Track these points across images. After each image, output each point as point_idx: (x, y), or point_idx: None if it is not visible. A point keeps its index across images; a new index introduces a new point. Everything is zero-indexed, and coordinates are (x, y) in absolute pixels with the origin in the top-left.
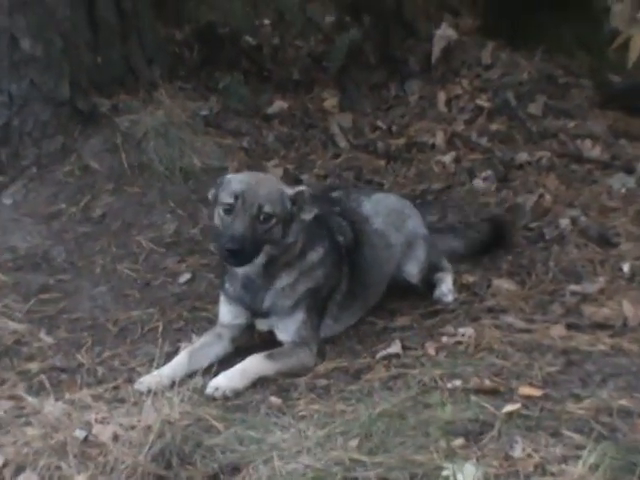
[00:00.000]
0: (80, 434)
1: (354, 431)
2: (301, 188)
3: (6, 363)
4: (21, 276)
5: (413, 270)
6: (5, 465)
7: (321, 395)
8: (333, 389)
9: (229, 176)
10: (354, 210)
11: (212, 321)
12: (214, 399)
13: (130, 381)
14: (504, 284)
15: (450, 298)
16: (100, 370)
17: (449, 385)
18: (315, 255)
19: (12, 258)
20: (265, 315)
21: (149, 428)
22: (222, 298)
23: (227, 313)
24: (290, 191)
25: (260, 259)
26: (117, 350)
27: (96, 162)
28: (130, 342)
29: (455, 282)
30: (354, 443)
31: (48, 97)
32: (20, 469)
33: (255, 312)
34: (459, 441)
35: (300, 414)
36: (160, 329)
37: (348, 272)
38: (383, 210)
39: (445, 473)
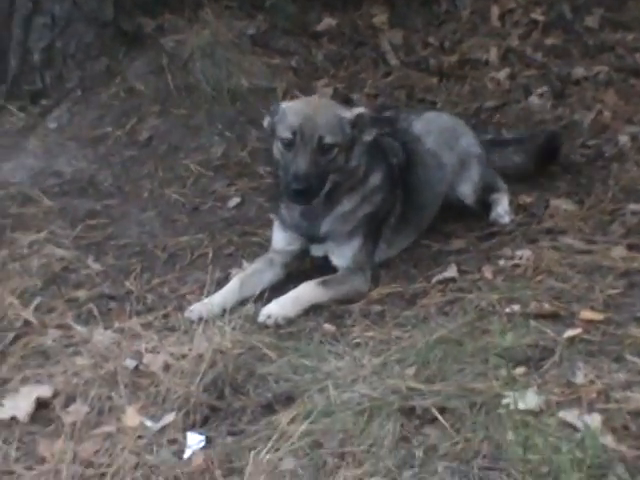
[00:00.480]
0: (130, 364)
1: (411, 358)
2: (360, 110)
3: (54, 291)
4: (67, 201)
5: (467, 190)
6: (55, 396)
7: (376, 321)
8: (388, 315)
9: (284, 105)
10: (405, 130)
11: (263, 246)
12: (266, 327)
13: (180, 309)
14: (562, 204)
15: (507, 219)
16: (149, 297)
17: (507, 310)
18: (376, 178)
19: (58, 183)
20: (321, 241)
21: (201, 357)
22: (276, 224)
23: (281, 239)
24: (349, 114)
25: (325, 188)
26: (166, 277)
27: (141, 84)
28: (179, 268)
29: (511, 203)
30: (411, 371)
31: (91, 18)
32: (70, 400)
33: (311, 238)
34: (519, 368)
35: (355, 341)
36: (210, 255)
37: (401, 195)
38: (435, 129)
39: (505, 401)
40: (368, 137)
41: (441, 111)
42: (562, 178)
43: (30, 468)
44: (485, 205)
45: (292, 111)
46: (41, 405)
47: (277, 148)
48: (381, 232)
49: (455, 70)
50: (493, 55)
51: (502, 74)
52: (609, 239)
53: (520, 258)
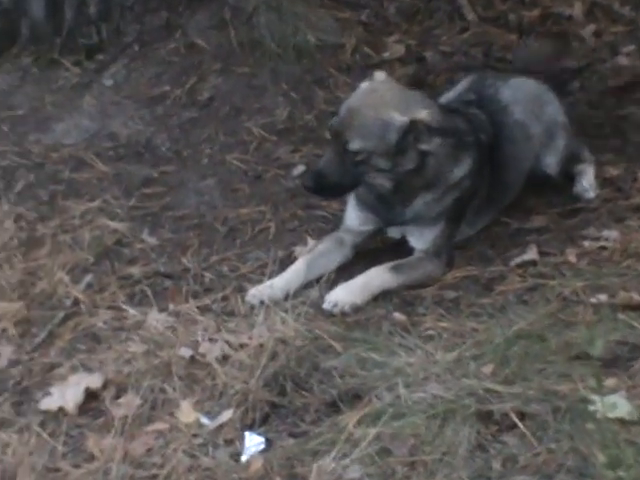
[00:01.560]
0: (186, 353)
1: (487, 355)
2: (415, 116)
3: (106, 266)
4: (122, 167)
5: (552, 162)
6: (105, 386)
7: (449, 310)
8: (462, 302)
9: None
10: (491, 98)
11: (329, 221)
12: (332, 315)
13: (240, 290)
14: None
15: (592, 194)
16: (207, 276)
17: (593, 299)
18: (463, 168)
19: (113, 146)
20: (401, 223)
21: (261, 348)
22: (351, 201)
23: (355, 218)
24: (399, 120)
25: (384, 185)
26: (226, 254)
27: (202, 39)
28: (240, 244)
29: (597, 175)
30: (488, 369)
31: None
32: (121, 391)
33: (389, 221)
34: (606, 369)
35: (427, 333)
36: (272, 230)
37: (488, 174)
38: (522, 97)
39: (592, 408)
40: (426, 146)
41: (526, 77)
42: None
43: (77, 466)
44: (569, 177)
45: (344, 103)
46: (90, 396)
47: None
48: (465, 214)
49: (536, 26)
50: (577, 9)
51: (587, 31)
52: None
53: (606, 239)
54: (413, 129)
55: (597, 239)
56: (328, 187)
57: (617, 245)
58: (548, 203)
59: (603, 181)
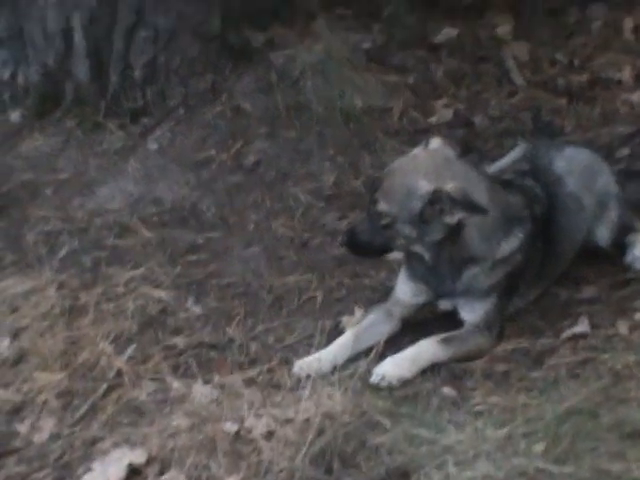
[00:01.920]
0: (231, 428)
1: (539, 432)
2: (440, 187)
3: (150, 336)
4: (167, 233)
5: (604, 233)
6: (149, 462)
7: (500, 384)
8: (513, 376)
9: None
10: (546, 168)
11: (376, 290)
12: (379, 388)
13: (286, 362)
14: None
15: None
16: (253, 347)
17: None
18: (513, 243)
19: (157, 212)
20: (452, 295)
21: (307, 423)
22: (403, 272)
23: (407, 290)
24: (425, 188)
25: (423, 255)
26: (272, 323)
27: (248, 103)
28: (286, 313)
29: None
30: (539, 447)
31: (197, 31)
32: (165, 467)
33: (439, 292)
34: None
35: (477, 408)
36: (319, 299)
37: (542, 246)
38: (577, 168)
39: None
40: (449, 219)
41: (580, 146)
42: None
43: None
44: (620, 246)
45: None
46: (133, 471)
47: None
48: (517, 286)
49: (585, 91)
50: (627, 74)
51: (636, 96)
52: None
53: None
54: (436, 199)
55: None
56: (360, 246)
57: None
58: (599, 272)
59: None
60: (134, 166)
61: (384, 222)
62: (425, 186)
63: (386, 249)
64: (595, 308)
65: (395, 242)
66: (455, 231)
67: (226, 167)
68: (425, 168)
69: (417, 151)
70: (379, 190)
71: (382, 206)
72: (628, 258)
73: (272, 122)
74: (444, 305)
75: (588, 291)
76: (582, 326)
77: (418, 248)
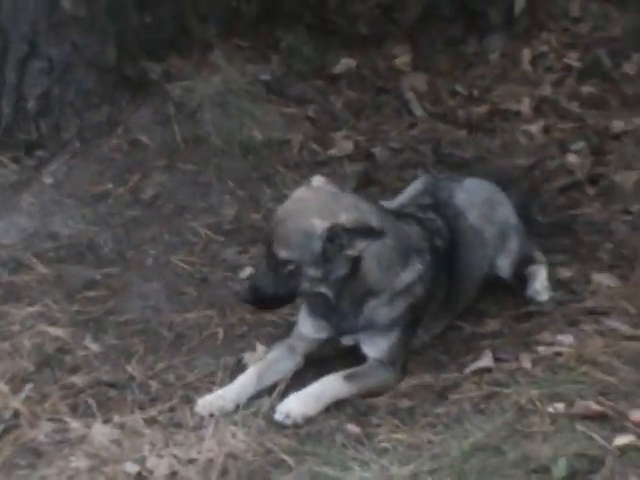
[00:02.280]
0: (132, 468)
1: (444, 469)
2: (335, 222)
3: (47, 375)
4: (63, 268)
5: (505, 264)
6: None
7: (404, 420)
8: (417, 412)
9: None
10: (447, 202)
11: (278, 326)
12: (283, 426)
13: (188, 401)
14: (605, 280)
15: (545, 297)
16: (153, 385)
17: (550, 409)
18: (412, 274)
19: (53, 247)
20: (354, 331)
21: (211, 462)
22: (304, 308)
23: (309, 326)
24: (321, 227)
25: (326, 294)
26: (172, 361)
27: (146, 135)
28: (187, 351)
29: (549, 277)
30: None
31: (92, 62)
32: None
33: (341, 329)
34: None
35: (381, 445)
36: (220, 335)
37: (445, 280)
38: (477, 201)
39: None
40: (351, 252)
41: (480, 178)
42: (602, 249)
43: None
44: (521, 279)
45: (277, 211)
46: None
47: None
48: (420, 320)
49: (485, 122)
50: (525, 105)
51: (535, 127)
52: None
53: (561, 345)
54: (334, 235)
55: (552, 344)
56: (266, 299)
57: (572, 351)
58: (501, 305)
59: (556, 283)
60: (28, 200)
61: (289, 269)
62: (320, 224)
63: (292, 296)
64: (498, 342)
65: (301, 287)
66: (354, 265)
67: (123, 201)
68: (315, 207)
69: (300, 192)
70: (274, 239)
71: (283, 254)
72: (529, 291)
73: (170, 155)
74: (347, 341)
75: (491, 325)
76: (486, 360)
77: (323, 288)
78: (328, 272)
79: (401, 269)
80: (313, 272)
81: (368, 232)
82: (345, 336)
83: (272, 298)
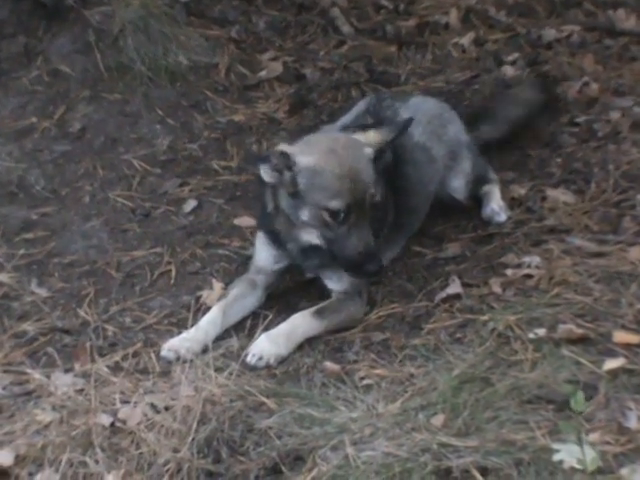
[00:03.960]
0: (104, 420)
1: (435, 404)
2: (379, 141)
3: None
4: None
5: (459, 185)
6: (18, 462)
7: (381, 354)
8: (393, 345)
9: (305, 160)
10: (390, 120)
11: (232, 260)
12: (256, 368)
13: (150, 345)
14: (560, 196)
15: (503, 217)
16: (110, 330)
17: (530, 335)
18: None
19: None
20: (318, 267)
21: (188, 409)
22: (261, 238)
23: (268, 257)
24: (369, 150)
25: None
26: (126, 303)
27: (67, 65)
28: (140, 292)
29: (503, 196)
30: (438, 421)
31: None
32: (37, 466)
33: (306, 267)
34: (561, 412)
35: (364, 383)
36: (173, 274)
37: (392, 200)
38: (423, 118)
39: (557, 457)
40: (381, 165)
41: (425, 95)
42: (553, 163)
43: None
44: (476, 200)
45: (330, 172)
46: (2, 474)
47: (317, 217)
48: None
49: (414, 36)
50: (453, 17)
51: (466, 39)
52: (622, 238)
53: (529, 266)
54: (379, 155)
55: (519, 266)
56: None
57: (541, 272)
58: (459, 228)
59: (511, 201)
60: None
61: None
62: (367, 148)
63: None
64: (463, 267)
65: None
66: None
67: (50, 135)
68: (356, 143)
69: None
70: (368, 189)
71: (379, 197)
72: (486, 211)
73: (94, 85)
74: (309, 274)
75: (452, 248)
76: (454, 287)
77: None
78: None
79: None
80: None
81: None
82: (307, 271)
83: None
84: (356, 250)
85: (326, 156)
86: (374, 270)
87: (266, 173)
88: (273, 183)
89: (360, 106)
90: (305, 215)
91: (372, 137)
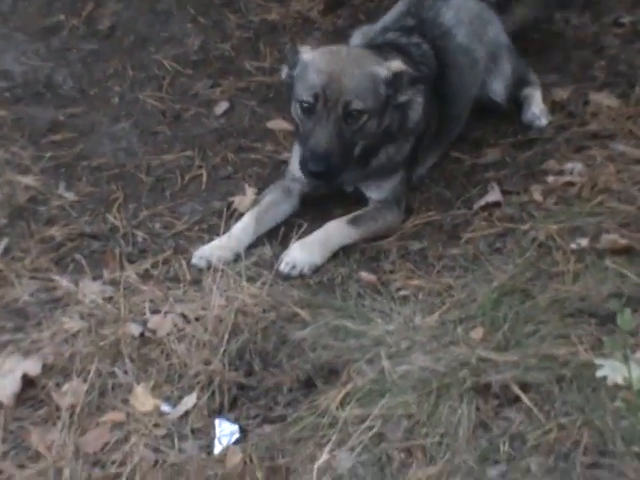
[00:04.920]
0: (134, 330)
1: (473, 317)
2: (399, 67)
3: (22, 228)
4: (22, 110)
5: (499, 87)
6: (45, 371)
7: (418, 264)
8: (430, 254)
9: (305, 56)
10: (433, 21)
11: (265, 165)
12: (290, 277)
13: (181, 252)
14: (604, 99)
15: (544, 121)
16: (140, 236)
17: (572, 245)
18: (417, 111)
19: (8, 87)
20: (358, 180)
21: (219, 319)
22: (297, 148)
23: None
24: (384, 72)
25: (355, 151)
26: (156, 208)
27: None
28: (170, 196)
29: (544, 99)
30: (477, 334)
31: None
32: (64, 376)
33: (344, 180)
34: (604, 326)
35: (400, 293)
36: (204, 178)
37: (436, 108)
38: (465, 17)
39: (600, 373)
40: (403, 98)
41: None
42: (597, 65)
43: (22, 466)
44: (516, 103)
45: (315, 66)
46: (28, 383)
47: (295, 109)
48: (417, 155)
49: None
50: None
51: None
52: None
53: (571, 173)
54: (396, 81)
55: (561, 173)
56: (335, 167)
57: (584, 180)
58: (498, 132)
59: (552, 105)
60: None
61: (362, 121)
62: (383, 69)
63: (350, 159)
64: (502, 173)
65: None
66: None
67: (78, 33)
68: (367, 55)
69: (326, 50)
70: (345, 91)
71: (359, 104)
72: (527, 115)
73: None
74: (348, 187)
75: (491, 154)
76: (493, 194)
77: (365, 141)
78: (380, 122)
79: (408, 108)
80: (375, 125)
81: (418, 78)
82: (345, 184)
83: (340, 165)
84: (308, 147)
85: (321, 54)
86: (313, 170)
87: (283, 71)
88: (286, 81)
89: (400, 6)
90: (292, 111)
91: (396, 65)
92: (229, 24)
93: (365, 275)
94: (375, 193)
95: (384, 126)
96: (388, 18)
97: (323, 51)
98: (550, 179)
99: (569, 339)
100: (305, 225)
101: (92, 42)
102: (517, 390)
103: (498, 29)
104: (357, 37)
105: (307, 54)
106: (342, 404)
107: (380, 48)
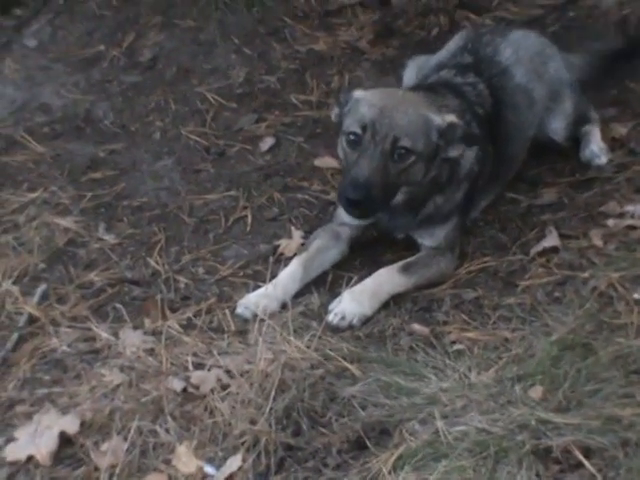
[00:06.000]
0: (176, 385)
1: (532, 375)
2: (453, 119)
3: (61, 273)
4: (61, 146)
5: (559, 126)
6: (84, 429)
7: (473, 314)
8: (485, 304)
9: (357, 94)
10: (490, 59)
11: (312, 206)
12: (338, 329)
13: (224, 300)
14: None
15: (603, 159)
16: (182, 282)
17: (635, 295)
18: (468, 162)
19: (46, 121)
20: (409, 229)
21: (265, 377)
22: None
23: None
24: (439, 120)
25: (396, 200)
26: (199, 252)
27: None
28: (213, 239)
29: (603, 136)
30: (536, 393)
31: None
32: (103, 434)
33: (393, 226)
34: None
35: (455, 348)
36: (249, 220)
37: (492, 150)
38: (525, 55)
39: None
40: (454, 153)
41: (527, 29)
42: None
43: None
44: (574, 140)
45: (366, 102)
46: (66, 441)
47: (341, 145)
48: (472, 200)
49: None
50: None
51: None
52: None
53: (632, 216)
54: (449, 132)
55: (621, 216)
56: (374, 200)
57: None
58: (554, 171)
59: (611, 142)
60: (12, 67)
61: (409, 161)
62: (438, 117)
63: (393, 197)
64: (560, 216)
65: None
66: (446, 167)
67: (119, 65)
68: (421, 101)
69: (380, 91)
70: (396, 126)
71: (407, 143)
72: (585, 153)
73: (166, 10)
74: (399, 235)
75: (548, 195)
76: (551, 238)
77: (405, 192)
78: (427, 170)
79: (461, 157)
80: (421, 170)
81: (471, 139)
82: (396, 232)
83: (381, 198)
84: (349, 176)
85: (374, 92)
86: (350, 197)
87: (333, 113)
88: (336, 121)
89: (457, 41)
90: (339, 149)
91: (451, 118)
92: (274, 55)
93: (417, 327)
94: (428, 240)
95: (430, 176)
96: (444, 53)
97: (376, 90)
98: (610, 222)
99: (634, 399)
100: (355, 272)
101: (133, 74)
102: (579, 455)
103: (559, 66)
104: (411, 69)
105: (359, 92)
106: (395, 468)
107: (434, 89)
